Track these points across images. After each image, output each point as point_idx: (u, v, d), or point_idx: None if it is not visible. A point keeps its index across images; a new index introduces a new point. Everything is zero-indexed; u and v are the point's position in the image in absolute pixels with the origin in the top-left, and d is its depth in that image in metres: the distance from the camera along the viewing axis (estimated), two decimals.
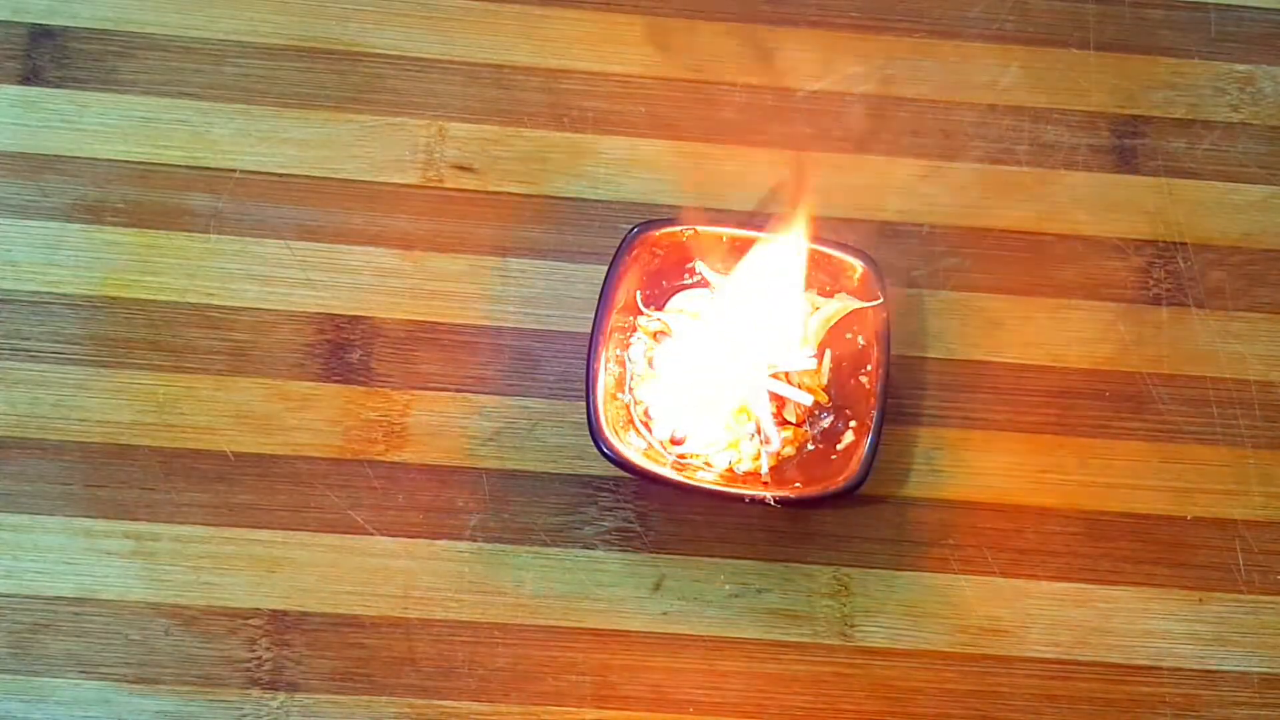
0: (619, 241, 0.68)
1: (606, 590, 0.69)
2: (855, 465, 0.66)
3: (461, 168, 0.74)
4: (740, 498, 0.66)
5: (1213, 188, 0.75)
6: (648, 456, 0.67)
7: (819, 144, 0.75)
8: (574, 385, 0.68)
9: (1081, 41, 0.77)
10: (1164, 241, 0.74)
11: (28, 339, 0.70)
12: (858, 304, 0.68)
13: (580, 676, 0.68)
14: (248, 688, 0.67)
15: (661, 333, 0.69)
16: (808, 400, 0.68)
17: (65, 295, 0.71)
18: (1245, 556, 0.70)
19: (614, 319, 0.68)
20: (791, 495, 0.66)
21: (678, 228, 0.69)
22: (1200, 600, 0.70)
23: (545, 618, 0.69)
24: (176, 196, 0.72)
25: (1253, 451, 0.72)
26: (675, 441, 0.68)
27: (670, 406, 0.68)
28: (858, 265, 0.68)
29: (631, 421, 0.69)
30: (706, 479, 0.67)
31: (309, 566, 0.68)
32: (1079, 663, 0.69)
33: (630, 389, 0.69)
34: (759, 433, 0.67)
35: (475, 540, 0.69)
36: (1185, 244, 0.74)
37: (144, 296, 0.71)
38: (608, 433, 0.66)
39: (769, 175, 0.74)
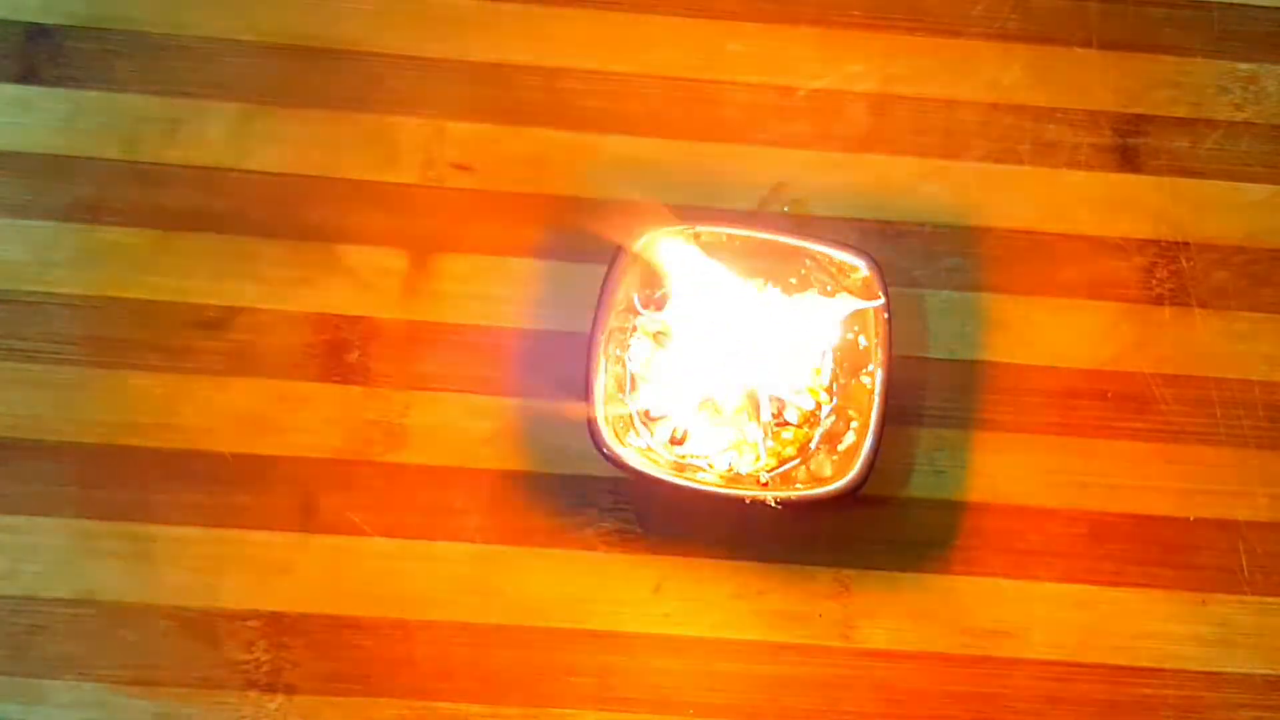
0: (619, 242, 0.68)
1: (607, 592, 0.69)
2: (856, 466, 0.65)
3: (461, 167, 0.73)
4: (741, 499, 0.66)
5: (1216, 187, 0.75)
6: (648, 457, 0.67)
7: (820, 143, 0.74)
8: (574, 385, 0.68)
9: (1084, 40, 0.76)
10: (1167, 241, 0.74)
11: (25, 339, 0.70)
12: (859, 304, 0.68)
13: (580, 678, 0.68)
14: (246, 689, 0.67)
15: (661, 334, 0.69)
16: (809, 404, 0.68)
17: (62, 295, 0.71)
18: (1248, 558, 0.70)
19: (614, 319, 0.67)
20: (792, 496, 0.66)
21: (678, 228, 0.68)
22: (1203, 602, 0.70)
23: (545, 619, 0.68)
24: (174, 196, 0.72)
25: (1256, 452, 0.71)
26: (676, 442, 0.68)
27: (671, 407, 0.68)
28: (859, 265, 0.68)
29: (631, 422, 0.68)
30: (707, 480, 0.67)
31: (307, 568, 0.68)
32: (1081, 664, 0.69)
33: (630, 390, 0.69)
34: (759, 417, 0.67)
35: (474, 541, 0.69)
36: (1188, 244, 0.74)
37: (141, 297, 0.71)
38: (608, 433, 0.66)
39: (769, 175, 0.74)
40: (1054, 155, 0.75)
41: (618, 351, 0.68)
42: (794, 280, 0.70)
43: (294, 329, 0.71)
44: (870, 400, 0.67)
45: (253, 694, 0.67)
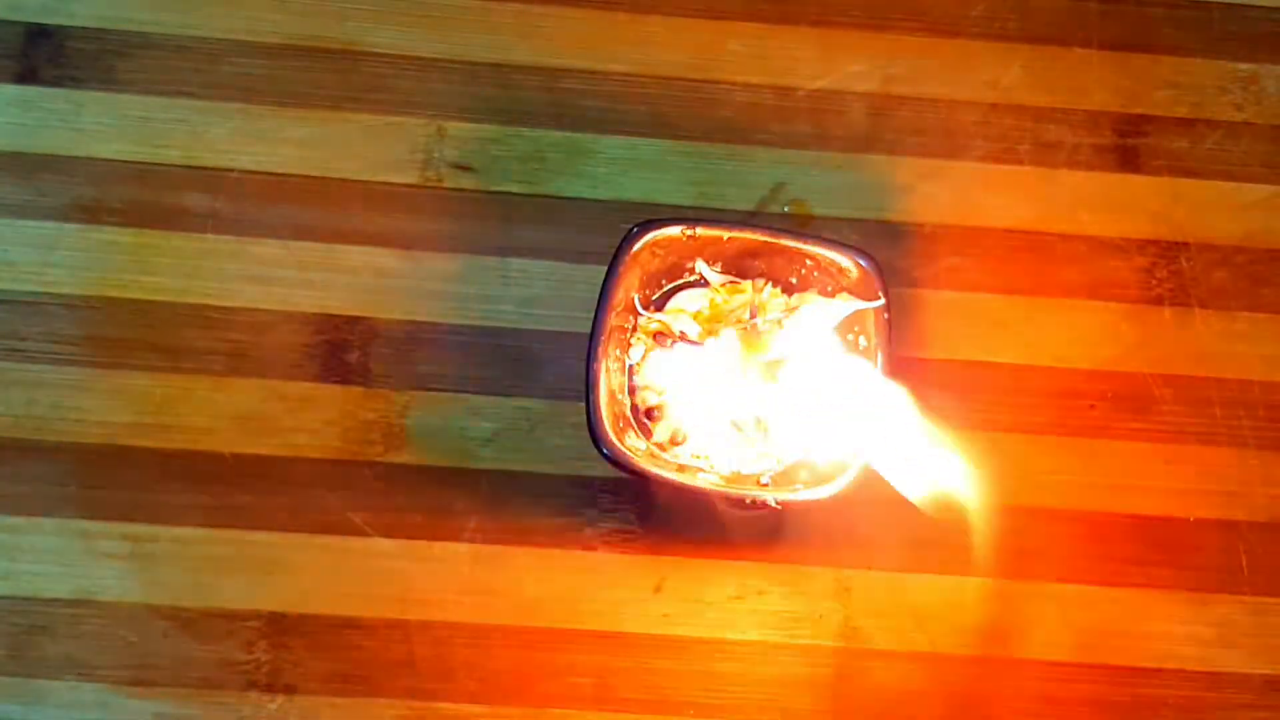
0: (619, 241, 0.68)
1: (606, 592, 0.69)
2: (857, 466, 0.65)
3: (461, 167, 0.73)
4: (741, 499, 0.66)
5: (1216, 187, 0.75)
6: (648, 458, 0.67)
7: (820, 143, 0.74)
8: (574, 385, 0.68)
9: (1084, 40, 0.76)
10: (1167, 241, 0.74)
11: (24, 339, 0.70)
12: (859, 304, 0.68)
13: (580, 678, 0.68)
14: (246, 690, 0.67)
15: (662, 334, 0.69)
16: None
17: (62, 295, 0.71)
18: (1248, 558, 0.70)
19: (614, 319, 0.67)
20: (792, 496, 0.66)
21: (678, 228, 0.68)
22: (1203, 602, 0.70)
23: (545, 619, 0.68)
24: (174, 196, 0.72)
25: (1256, 453, 0.71)
26: (676, 443, 0.68)
27: (676, 411, 0.68)
28: (858, 265, 0.68)
29: (631, 423, 0.68)
30: (707, 480, 0.67)
31: (307, 568, 0.68)
32: (1081, 665, 0.69)
33: (631, 389, 0.69)
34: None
35: (474, 542, 0.69)
36: (1188, 244, 0.74)
37: (141, 297, 0.71)
38: (608, 434, 0.66)
39: (769, 175, 0.74)
40: (1054, 155, 0.75)
41: (618, 352, 0.68)
42: (794, 280, 0.70)
43: (294, 329, 0.71)
44: None
45: (253, 694, 0.67)
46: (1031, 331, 0.72)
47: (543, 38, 0.75)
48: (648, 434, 0.68)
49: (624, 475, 0.66)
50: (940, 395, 0.71)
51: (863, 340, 0.68)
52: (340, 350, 0.71)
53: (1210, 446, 0.71)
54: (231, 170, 0.73)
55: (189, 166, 0.72)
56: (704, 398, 0.68)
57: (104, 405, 0.69)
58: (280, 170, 0.73)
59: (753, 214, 0.73)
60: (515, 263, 0.72)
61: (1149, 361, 0.72)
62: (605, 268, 0.67)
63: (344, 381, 0.70)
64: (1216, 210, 0.74)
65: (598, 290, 0.67)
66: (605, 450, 0.65)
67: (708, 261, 0.69)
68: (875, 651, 0.69)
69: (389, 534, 0.69)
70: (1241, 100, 0.76)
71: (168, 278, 0.71)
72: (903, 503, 0.69)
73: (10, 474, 0.68)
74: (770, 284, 0.69)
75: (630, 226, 0.68)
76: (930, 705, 0.68)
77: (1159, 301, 0.73)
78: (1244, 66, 0.77)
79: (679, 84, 0.75)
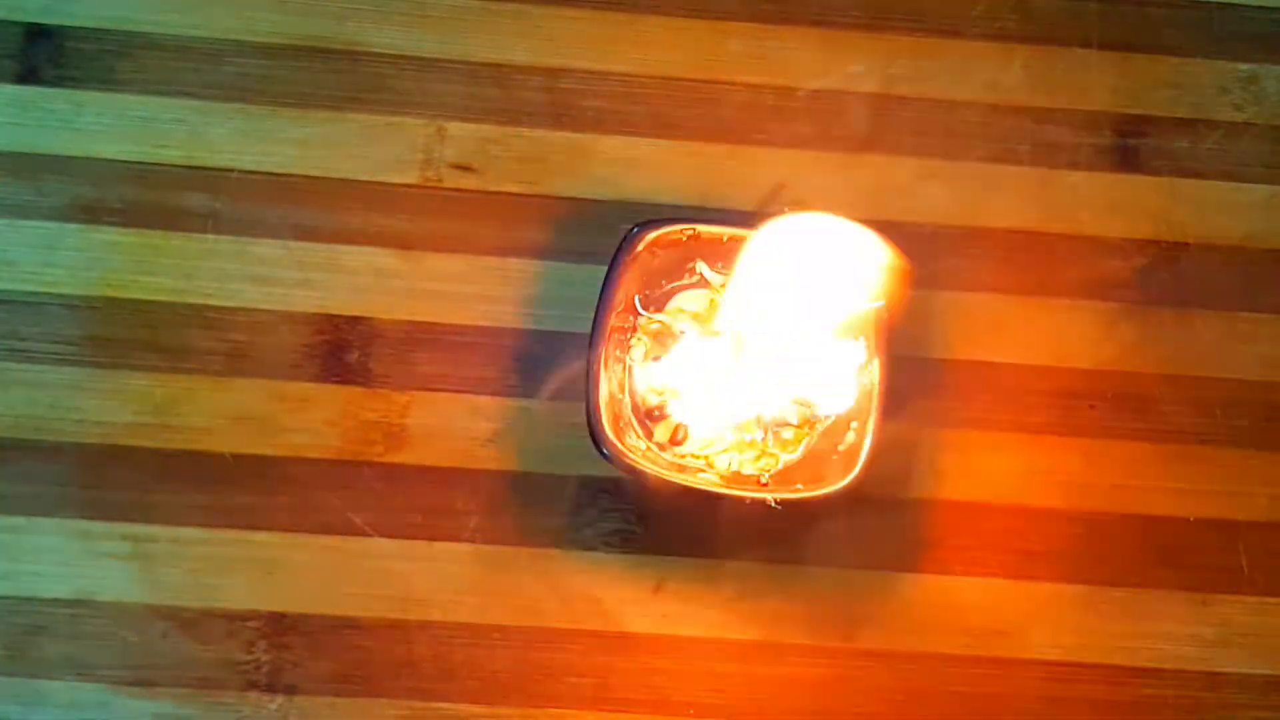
0: (619, 241, 0.68)
1: (607, 592, 0.69)
2: (856, 466, 0.65)
3: (461, 167, 0.73)
4: (741, 499, 0.66)
5: (1216, 188, 0.75)
6: (648, 458, 0.67)
7: (820, 143, 0.74)
8: (574, 386, 0.68)
9: (1084, 41, 0.76)
10: (1167, 242, 0.74)
11: (24, 340, 0.70)
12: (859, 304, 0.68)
13: (580, 679, 0.68)
14: (246, 690, 0.67)
15: (662, 334, 0.69)
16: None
17: (62, 296, 0.71)
18: (1248, 558, 0.70)
19: (614, 319, 0.67)
20: (792, 496, 0.66)
21: (678, 228, 0.68)
22: (1203, 602, 0.70)
23: (545, 619, 0.68)
24: (174, 197, 0.72)
25: (1256, 452, 0.71)
26: (676, 442, 0.68)
27: (676, 410, 0.68)
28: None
29: (631, 423, 0.68)
30: (707, 480, 0.67)
31: (307, 568, 0.68)
32: (1081, 665, 0.69)
33: (631, 389, 0.69)
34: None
35: (474, 542, 0.69)
36: (1188, 244, 0.74)
37: (141, 297, 0.71)
38: (608, 434, 0.66)
39: (769, 175, 0.74)
40: (1054, 155, 0.75)
41: (618, 352, 0.68)
42: None
43: (294, 329, 0.71)
44: (870, 400, 0.67)
45: (253, 694, 0.67)
46: (1031, 331, 0.72)
47: (543, 38, 0.75)
48: (648, 434, 0.68)
49: (624, 475, 0.67)
50: (940, 395, 0.71)
51: (863, 340, 0.68)
52: (340, 350, 0.71)
53: (1210, 446, 0.71)
54: (231, 170, 0.73)
55: (189, 166, 0.72)
56: (704, 398, 0.68)
57: (104, 405, 0.69)
58: (280, 170, 0.73)
59: (753, 214, 0.73)
60: (515, 263, 0.72)
61: (1149, 362, 0.72)
62: (605, 268, 0.67)
63: (344, 381, 0.70)
64: (1216, 211, 0.74)
65: (598, 290, 0.67)
66: (605, 450, 0.65)
67: (708, 261, 0.69)
68: (875, 651, 0.69)
69: (389, 534, 0.69)
70: (1241, 100, 0.76)
71: (168, 278, 0.71)
72: (902, 503, 0.69)
73: (10, 474, 0.69)
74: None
75: (630, 226, 0.68)
76: (930, 705, 0.68)
77: (1159, 301, 0.73)
78: (1244, 67, 0.76)
79: (679, 84, 0.75)
